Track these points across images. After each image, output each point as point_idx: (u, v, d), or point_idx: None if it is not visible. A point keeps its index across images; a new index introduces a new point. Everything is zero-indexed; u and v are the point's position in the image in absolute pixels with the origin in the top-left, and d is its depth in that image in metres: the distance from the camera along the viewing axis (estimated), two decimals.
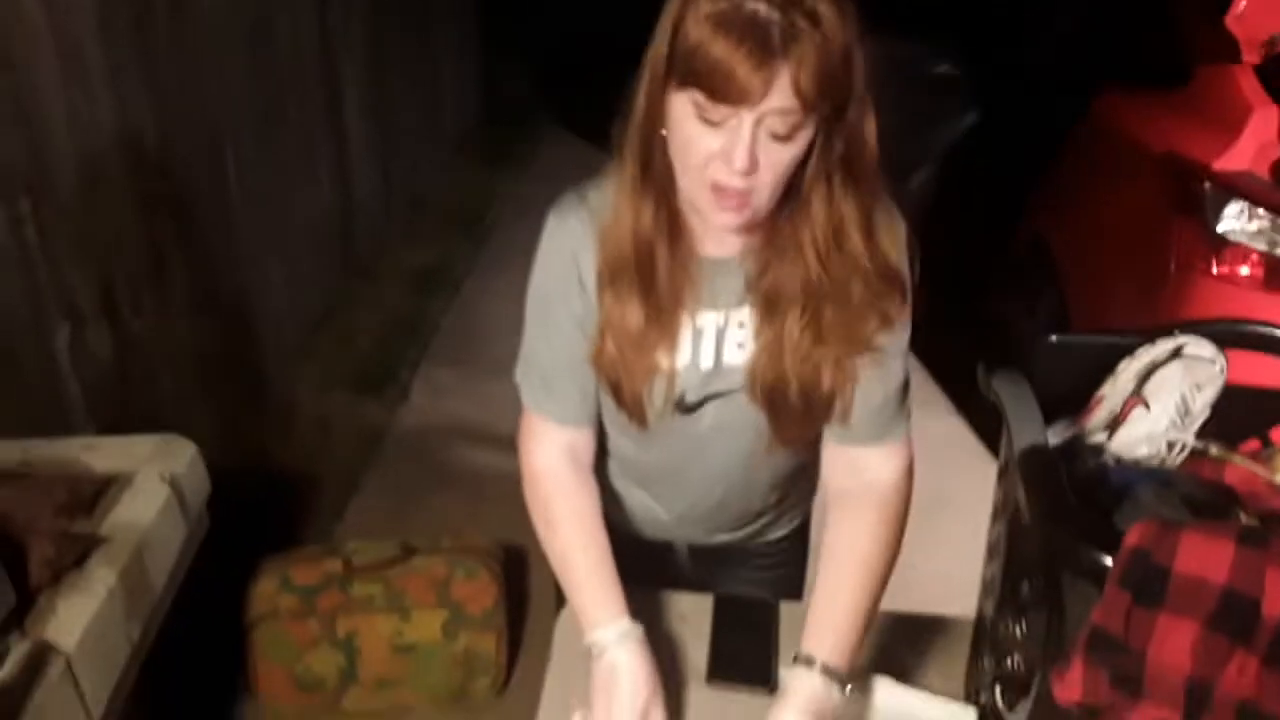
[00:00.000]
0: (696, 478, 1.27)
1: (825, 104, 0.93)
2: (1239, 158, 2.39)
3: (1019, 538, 0.95)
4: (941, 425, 3.29)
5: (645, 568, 1.38)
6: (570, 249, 1.13)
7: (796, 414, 1.13)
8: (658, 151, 1.02)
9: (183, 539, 1.33)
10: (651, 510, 1.34)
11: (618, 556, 1.18)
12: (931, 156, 3.49)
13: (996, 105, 3.46)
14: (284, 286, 3.18)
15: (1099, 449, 0.97)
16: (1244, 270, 2.31)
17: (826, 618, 1.11)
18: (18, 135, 1.91)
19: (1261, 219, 2.31)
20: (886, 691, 1.16)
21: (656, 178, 1.03)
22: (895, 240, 1.08)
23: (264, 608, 1.64)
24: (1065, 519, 0.78)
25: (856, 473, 1.17)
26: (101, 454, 1.40)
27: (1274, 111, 2.39)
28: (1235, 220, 2.33)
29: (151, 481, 1.32)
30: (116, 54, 2.18)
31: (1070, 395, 1.05)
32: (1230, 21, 2.31)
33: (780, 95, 0.91)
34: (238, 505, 1.62)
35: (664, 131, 1.00)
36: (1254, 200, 2.32)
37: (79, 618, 1.07)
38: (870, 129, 0.99)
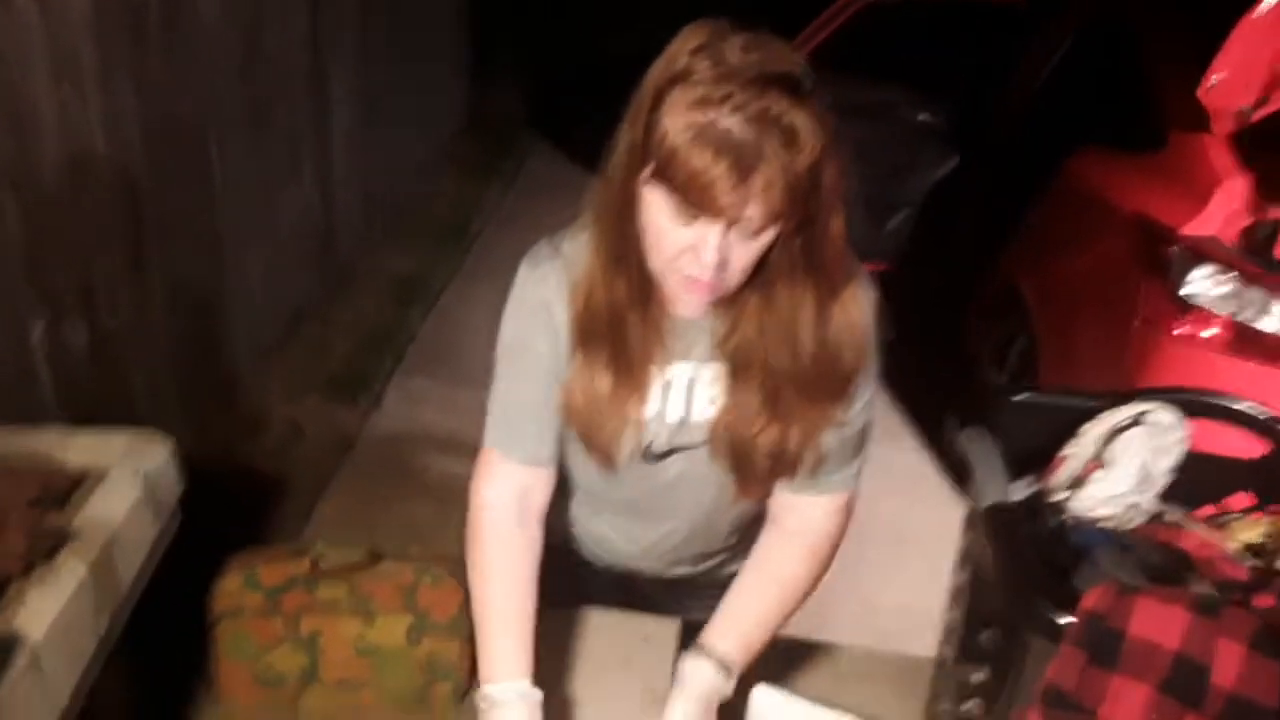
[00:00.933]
0: (659, 519, 1.30)
1: (794, 214, 0.97)
2: (1207, 224, 2.46)
3: (982, 588, 0.98)
4: (907, 458, 3.34)
5: (606, 591, 1.41)
6: (542, 298, 1.15)
7: (760, 473, 1.17)
8: (630, 228, 1.04)
9: (154, 535, 1.33)
10: (613, 541, 1.37)
11: (579, 579, 1.20)
12: (910, 200, 3.56)
13: (975, 153, 3.52)
14: (263, 288, 3.18)
15: (1060, 507, 1.01)
16: (1205, 334, 2.38)
17: (733, 617, 1.16)
18: (5, 129, 1.91)
19: (1228, 283, 2.38)
20: (766, 697, 1.19)
21: (629, 250, 1.06)
22: (863, 308, 1.11)
23: (228, 604, 1.63)
24: (1026, 576, 0.81)
25: (796, 514, 1.21)
26: (76, 448, 1.39)
27: (1242, 182, 2.46)
28: (1201, 284, 2.40)
29: (125, 477, 1.32)
30: (108, 53, 2.19)
31: (1035, 451, 1.08)
32: (1202, 95, 2.38)
33: (752, 208, 0.94)
34: (206, 503, 1.62)
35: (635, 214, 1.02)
36: (1221, 263, 2.39)
37: (48, 610, 1.07)
38: (837, 225, 1.03)
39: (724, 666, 1.11)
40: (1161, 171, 2.66)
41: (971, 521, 1.08)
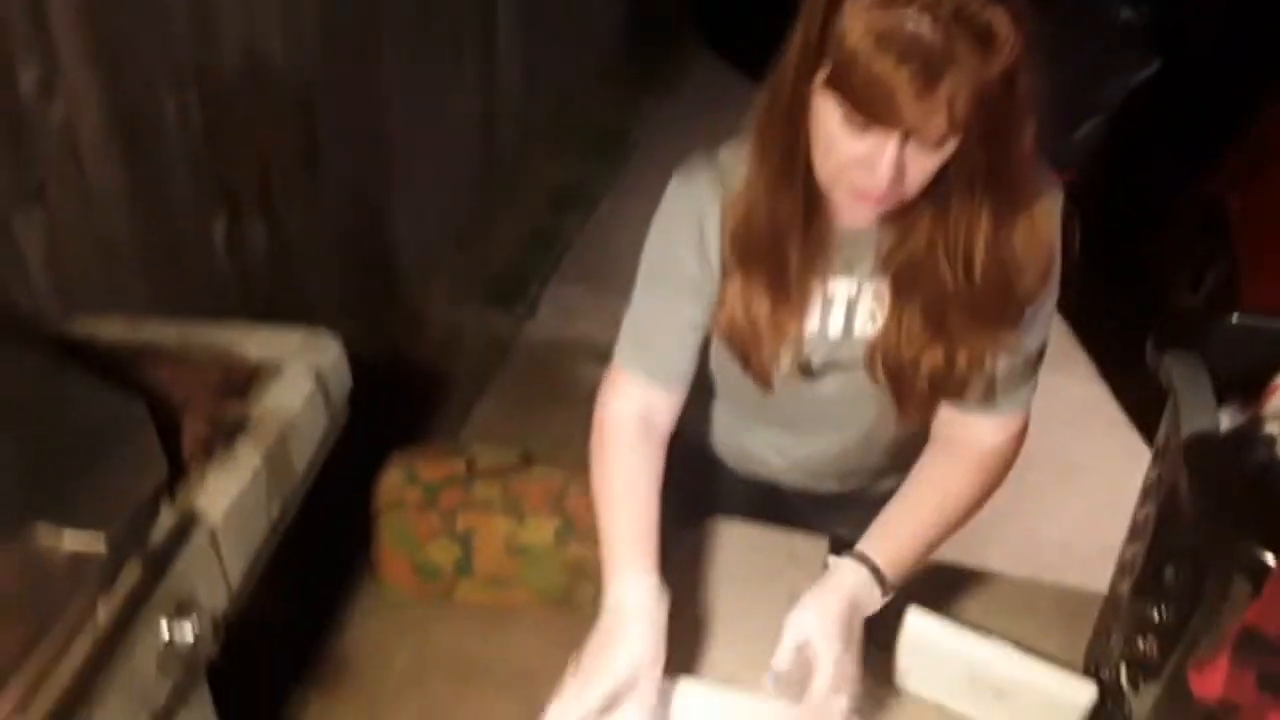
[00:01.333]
0: (813, 436, 1.25)
1: (980, 126, 0.88)
2: None
3: (1171, 522, 0.90)
4: (1080, 390, 3.16)
5: (751, 503, 1.38)
6: (695, 212, 1.10)
7: (921, 396, 1.11)
8: (798, 139, 0.98)
9: (324, 428, 1.39)
10: (762, 454, 1.33)
11: (724, 490, 1.18)
12: (1106, 106, 3.28)
13: (1182, 54, 3.20)
14: (428, 193, 3.25)
15: (1272, 440, 0.91)
16: None
17: (892, 531, 1.10)
18: (189, 28, 1.97)
19: None
20: (920, 621, 1.14)
21: (796, 163, 1.00)
22: (1049, 226, 1.03)
23: (391, 498, 1.72)
24: (1230, 511, 0.73)
25: (964, 432, 1.14)
26: (255, 342, 1.46)
27: None
28: None
29: (299, 372, 1.37)
30: None
31: (1244, 378, 0.98)
32: None
33: (936, 119, 0.86)
34: (371, 400, 1.69)
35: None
36: None
37: (226, 493, 1.12)
38: (1027, 137, 0.94)
39: (875, 572, 1.06)
40: None
41: (1163, 451, 0.99)
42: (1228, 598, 0.75)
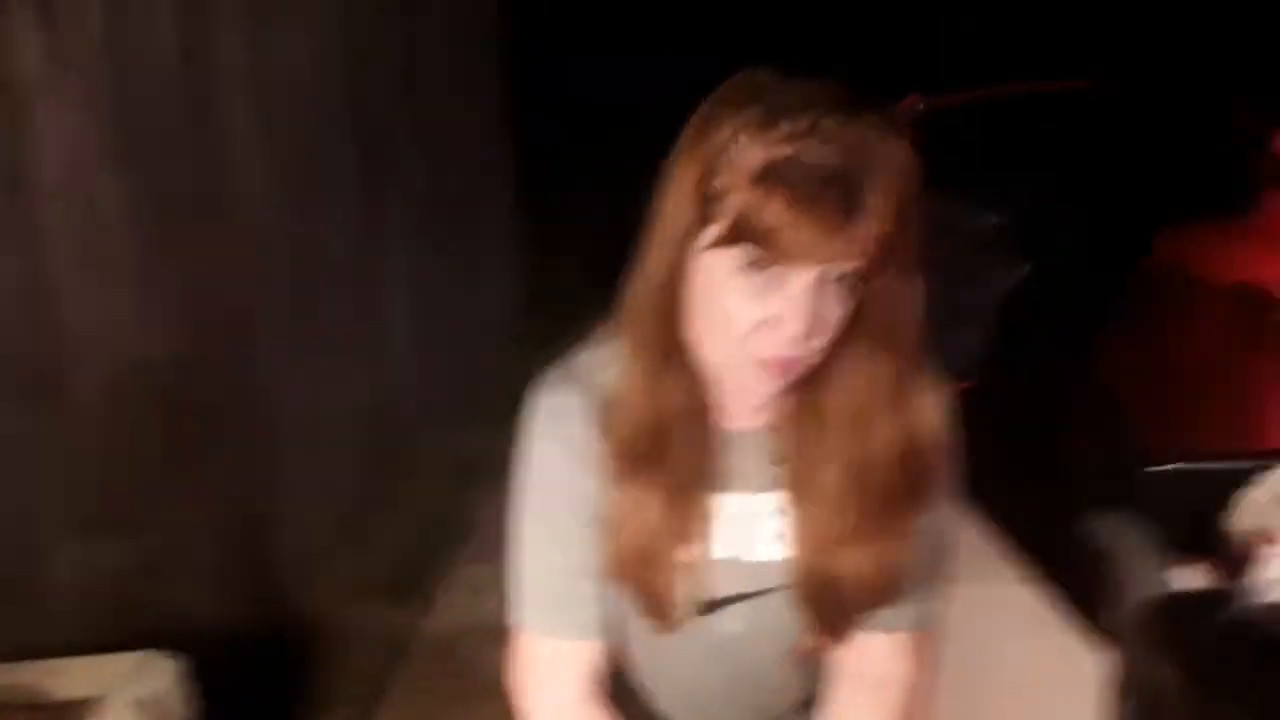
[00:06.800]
0: (718, 683, 1.07)
1: (886, 262, 0.82)
2: None
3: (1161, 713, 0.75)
4: (1009, 593, 3.02)
5: None
6: (565, 433, 0.97)
7: (846, 610, 0.97)
8: (678, 318, 0.89)
9: None
10: (656, 710, 1.13)
11: None
12: (985, 311, 3.37)
13: (1048, 256, 3.34)
14: (313, 486, 3.08)
15: (1230, 597, 0.78)
16: None
17: None
18: (42, 334, 1.87)
19: None
20: None
21: (677, 346, 0.91)
22: (937, 407, 0.95)
23: None
24: (1210, 674, 0.59)
25: (861, 657, 1.01)
26: (69, 678, 1.29)
27: None
28: None
29: (121, 707, 1.19)
30: (147, 249, 2.16)
31: (1190, 531, 0.87)
32: None
33: (847, 253, 0.80)
34: (257, 715, 1.49)
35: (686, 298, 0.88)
36: None
37: None
38: (916, 290, 0.87)
39: None
40: (1257, 234, 2.49)
41: (1125, 635, 0.85)
42: None
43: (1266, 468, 0.87)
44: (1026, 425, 3.26)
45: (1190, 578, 0.84)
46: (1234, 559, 0.84)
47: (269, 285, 2.75)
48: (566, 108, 11.10)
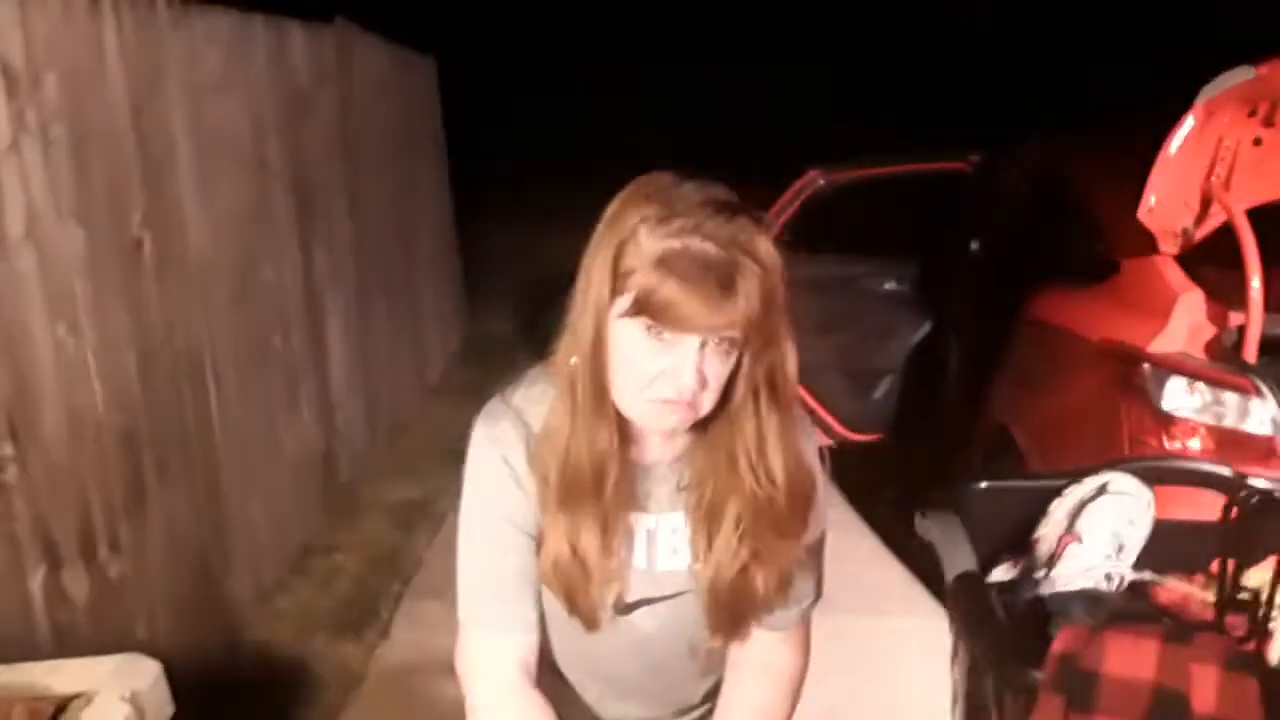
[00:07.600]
0: (637, 674, 1.28)
1: (760, 333, 1.04)
2: (1172, 340, 2.51)
3: (972, 675, 0.95)
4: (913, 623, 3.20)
5: None
6: (505, 456, 1.17)
7: (744, 614, 1.19)
8: (603, 370, 1.09)
9: None
10: (583, 696, 1.33)
11: None
12: (891, 366, 3.63)
13: (947, 314, 3.63)
14: (264, 522, 3.20)
15: (1036, 583, 1.00)
16: (1194, 443, 2.38)
17: None
18: (3, 375, 1.98)
19: (1204, 393, 2.40)
20: None
21: (606, 396, 1.10)
22: (811, 447, 1.19)
23: None
24: (994, 636, 0.80)
25: (755, 651, 1.23)
26: (63, 676, 1.39)
27: (1198, 295, 2.54)
28: (1178, 397, 2.42)
29: (111, 700, 1.31)
30: (103, 293, 2.29)
31: (1009, 536, 1.08)
32: (1143, 216, 2.49)
33: (729, 323, 1.02)
34: None
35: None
36: (1193, 375, 2.42)
37: None
38: (792, 352, 1.10)
39: None
40: (1118, 297, 2.74)
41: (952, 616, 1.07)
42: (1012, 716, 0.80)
43: (1072, 482, 1.08)
44: (933, 464, 3.49)
45: (1007, 574, 1.04)
46: (1047, 557, 1.05)
47: (217, 331, 2.89)
48: (504, 151, 11.38)
